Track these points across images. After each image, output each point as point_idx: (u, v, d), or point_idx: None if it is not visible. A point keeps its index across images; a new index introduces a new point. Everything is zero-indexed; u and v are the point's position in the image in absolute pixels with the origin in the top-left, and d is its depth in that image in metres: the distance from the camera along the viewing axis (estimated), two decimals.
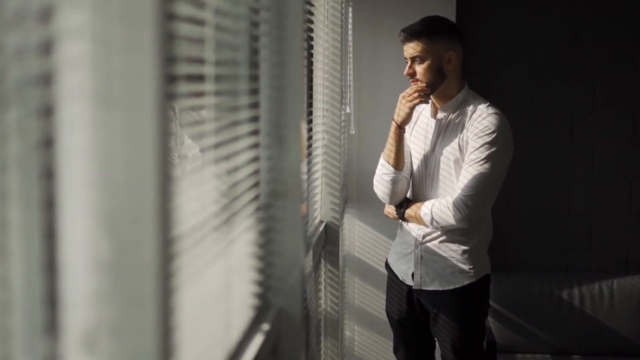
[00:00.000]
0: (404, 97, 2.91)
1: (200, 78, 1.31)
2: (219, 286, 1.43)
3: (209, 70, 1.35)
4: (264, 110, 1.78)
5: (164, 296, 0.81)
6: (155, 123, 0.77)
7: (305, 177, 2.32)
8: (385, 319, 3.24)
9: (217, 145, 1.44)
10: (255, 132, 1.73)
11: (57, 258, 0.76)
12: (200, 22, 1.26)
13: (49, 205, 0.75)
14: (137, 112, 0.77)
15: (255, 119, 1.73)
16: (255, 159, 1.73)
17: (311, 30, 2.68)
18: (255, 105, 1.73)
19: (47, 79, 0.75)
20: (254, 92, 1.72)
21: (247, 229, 1.66)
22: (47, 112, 0.75)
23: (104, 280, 0.80)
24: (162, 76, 0.78)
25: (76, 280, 0.79)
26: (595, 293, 4.09)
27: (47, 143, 0.75)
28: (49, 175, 0.75)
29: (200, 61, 1.31)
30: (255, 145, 1.74)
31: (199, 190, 1.33)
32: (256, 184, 1.74)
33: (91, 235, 0.79)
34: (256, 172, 1.74)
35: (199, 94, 1.34)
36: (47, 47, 0.75)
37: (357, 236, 3.99)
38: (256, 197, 1.74)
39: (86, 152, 0.78)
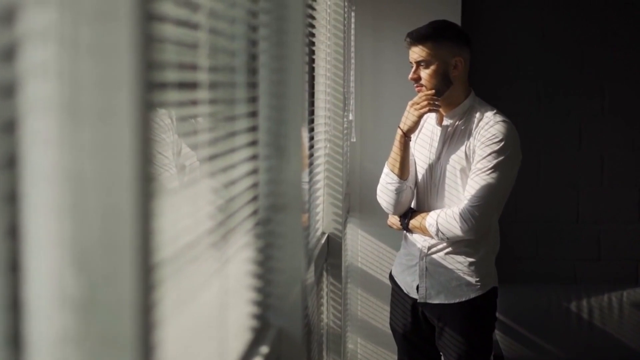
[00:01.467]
0: (412, 105, 2.84)
1: (193, 85, 1.22)
2: (213, 310, 1.34)
3: (202, 76, 1.26)
4: (263, 119, 1.70)
5: (142, 335, 0.71)
6: (133, 138, 0.67)
7: (306, 187, 2.24)
8: (389, 331, 3.20)
9: (213, 158, 1.35)
10: (253, 143, 1.65)
11: (20, 294, 0.67)
12: (191, 25, 1.17)
13: (10, 234, 0.65)
14: (112, 125, 0.67)
15: (253, 128, 1.65)
16: (254, 171, 1.65)
17: (313, 34, 2.61)
18: (253, 114, 1.65)
19: (8, 89, 0.65)
20: (253, 100, 1.64)
21: (245, 246, 1.57)
22: (8, 126, 0.65)
23: (73, 319, 0.70)
24: (142, 84, 0.68)
25: (42, 319, 0.69)
26: (604, 304, 4.06)
27: (8, 162, 0.65)
28: (10, 199, 0.65)
29: (193, 67, 1.22)
30: (254, 157, 1.65)
31: (193, 206, 1.24)
32: (255, 198, 1.65)
33: (59, 267, 0.69)
34: (255, 185, 1.66)
35: (194, 102, 1.25)
36: (8, 53, 0.65)
37: (360, 247, 3.94)
38: (255, 212, 1.66)
39: (53, 172, 0.68)
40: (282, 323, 1.77)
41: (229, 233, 1.41)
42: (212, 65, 1.34)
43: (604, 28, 4.19)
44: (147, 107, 0.70)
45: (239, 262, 1.53)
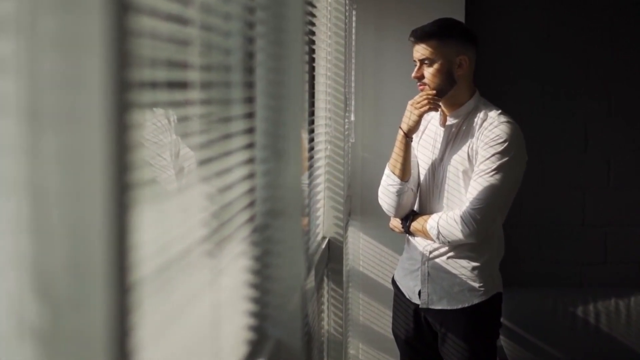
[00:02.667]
0: (412, 104, 2.78)
1: (183, 85, 1.14)
2: (206, 323, 1.26)
3: (194, 75, 1.18)
4: (260, 121, 1.63)
5: None
6: (105, 143, 0.59)
7: (306, 191, 2.17)
8: (392, 337, 3.15)
9: (207, 161, 1.28)
10: (250, 145, 1.57)
11: None
12: (181, 20, 1.09)
13: None
14: (80, 129, 0.59)
15: (250, 130, 1.57)
16: (251, 175, 1.57)
17: (313, 33, 2.53)
18: (250, 116, 1.57)
19: None
20: (249, 100, 1.57)
21: (241, 254, 1.50)
22: None
23: (34, 351, 0.62)
24: (116, 83, 0.60)
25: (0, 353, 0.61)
26: (611, 309, 4.01)
27: None
28: None
29: (183, 65, 1.14)
30: (251, 160, 1.57)
31: (185, 213, 1.17)
32: (252, 204, 1.58)
33: (17, 292, 0.61)
34: (252, 189, 1.58)
35: (188, 103, 1.18)
36: None
37: (361, 250, 3.87)
38: (252, 218, 1.58)
39: (11, 183, 0.60)
40: (281, 334, 1.70)
41: (224, 241, 1.34)
42: (205, 64, 1.26)
43: (609, 29, 4.14)
44: (121, 109, 0.62)
45: (234, 271, 1.46)
